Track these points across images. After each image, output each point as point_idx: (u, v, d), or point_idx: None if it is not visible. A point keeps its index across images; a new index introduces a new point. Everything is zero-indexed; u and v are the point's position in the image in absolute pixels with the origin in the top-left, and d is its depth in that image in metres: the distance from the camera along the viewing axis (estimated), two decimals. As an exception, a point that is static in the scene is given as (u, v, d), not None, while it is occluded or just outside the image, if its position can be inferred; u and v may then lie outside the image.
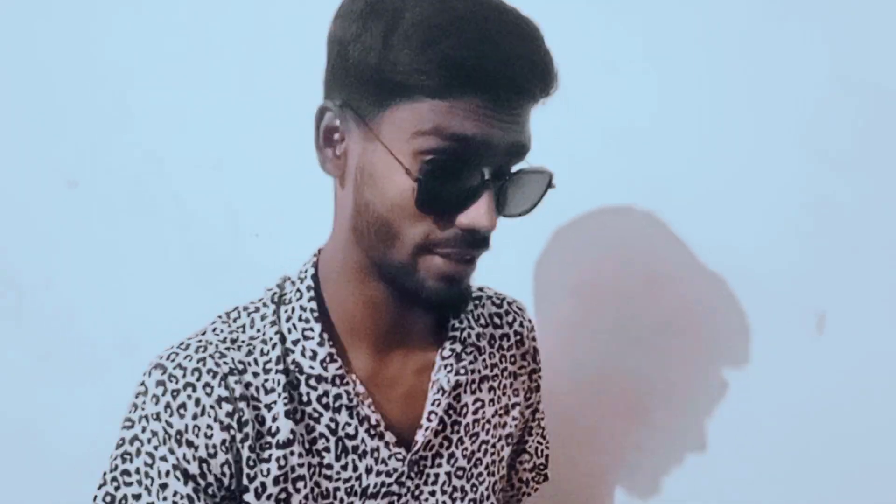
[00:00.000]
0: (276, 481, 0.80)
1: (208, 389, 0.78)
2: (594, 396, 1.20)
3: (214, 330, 0.83)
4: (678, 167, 1.13)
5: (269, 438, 0.80)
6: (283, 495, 0.80)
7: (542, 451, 1.05)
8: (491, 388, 0.94)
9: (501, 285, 1.01)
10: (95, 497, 0.79)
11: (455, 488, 0.90)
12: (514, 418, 0.97)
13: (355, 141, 0.78)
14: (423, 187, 0.74)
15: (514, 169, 0.79)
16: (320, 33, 1.18)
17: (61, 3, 1.32)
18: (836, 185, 1.07)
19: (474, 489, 0.92)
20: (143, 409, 0.78)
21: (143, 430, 0.78)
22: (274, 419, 0.81)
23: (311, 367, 0.82)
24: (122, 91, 1.32)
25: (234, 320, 0.85)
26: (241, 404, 0.79)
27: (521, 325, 0.99)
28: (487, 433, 0.93)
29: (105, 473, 0.79)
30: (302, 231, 1.27)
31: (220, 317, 0.86)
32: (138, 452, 0.77)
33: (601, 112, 1.14)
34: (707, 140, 1.11)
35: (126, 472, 0.77)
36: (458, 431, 0.90)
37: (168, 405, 0.77)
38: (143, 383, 0.79)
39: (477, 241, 0.78)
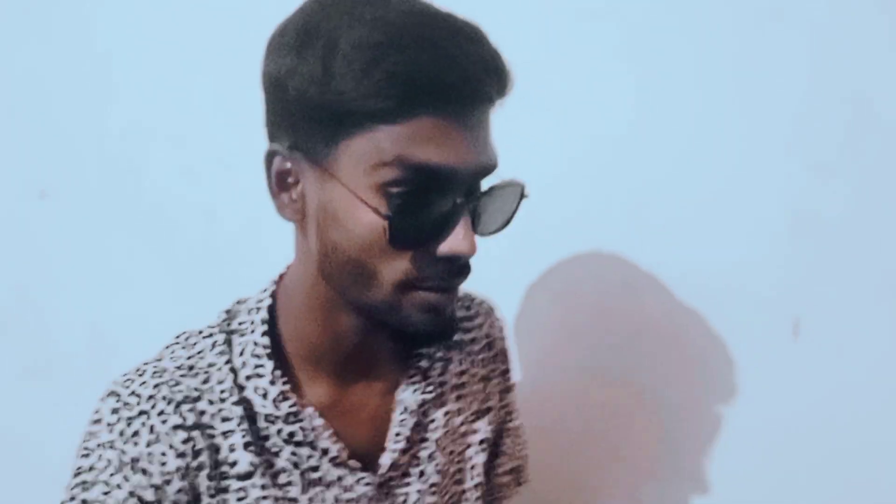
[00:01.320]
0: None
1: (163, 417, 0.76)
2: (576, 403, 1.20)
3: (172, 356, 0.80)
4: (658, 174, 1.13)
5: (226, 469, 0.78)
6: None
7: (518, 452, 1.01)
8: (460, 397, 0.91)
9: (483, 293, 1.01)
10: None
11: None
12: (488, 422, 0.94)
13: (311, 182, 0.73)
14: (394, 223, 0.70)
15: (485, 186, 0.76)
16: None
17: (37, 13, 1.31)
18: (817, 192, 1.08)
19: (451, 499, 0.90)
20: (97, 437, 0.76)
21: (100, 458, 0.75)
22: (231, 449, 0.78)
23: (263, 406, 0.79)
24: (95, 99, 1.30)
25: (193, 345, 0.81)
26: (195, 433, 0.77)
27: (492, 325, 0.96)
28: (457, 443, 0.91)
29: (64, 502, 0.75)
30: (280, 238, 1.27)
31: (177, 341, 0.83)
32: (95, 481, 0.75)
33: (581, 118, 1.14)
34: (687, 147, 1.12)
35: (84, 502, 0.74)
36: (427, 448, 0.87)
37: (122, 432, 0.75)
38: (97, 410, 0.77)
39: (459, 268, 0.74)
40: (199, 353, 0.80)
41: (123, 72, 1.29)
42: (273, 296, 0.82)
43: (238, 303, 0.85)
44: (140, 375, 0.78)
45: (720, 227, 1.11)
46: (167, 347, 0.83)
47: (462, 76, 0.69)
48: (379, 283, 0.73)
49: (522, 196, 0.77)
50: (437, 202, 0.71)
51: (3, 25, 1.32)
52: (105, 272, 1.32)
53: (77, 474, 0.76)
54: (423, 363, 0.88)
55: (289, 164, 0.74)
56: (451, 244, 0.71)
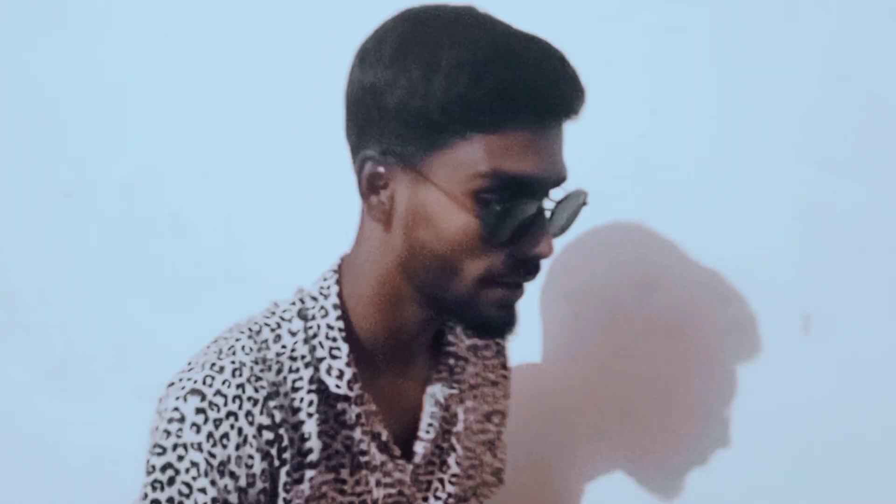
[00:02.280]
0: (306, 502, 0.81)
1: (250, 418, 0.77)
2: (587, 398, 1.21)
3: (243, 348, 0.81)
4: (669, 170, 1.13)
5: (301, 459, 0.81)
6: None
7: (501, 455, 1.05)
8: (475, 397, 0.97)
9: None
10: None
11: (449, 494, 0.92)
12: (495, 424, 1.01)
13: (402, 186, 0.79)
14: (486, 226, 0.76)
15: (559, 195, 0.82)
16: (313, 46, 1.19)
17: (57, 15, 1.33)
18: (829, 187, 1.08)
19: (465, 493, 0.95)
20: (178, 436, 0.76)
21: (180, 458, 0.75)
22: (303, 439, 0.81)
23: (338, 387, 0.82)
24: (118, 102, 1.32)
25: (257, 333, 0.83)
26: (280, 430, 0.79)
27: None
28: (471, 440, 0.96)
29: (136, 502, 0.77)
30: (296, 240, 1.28)
31: (240, 331, 0.83)
32: (171, 481, 0.75)
33: (595, 118, 1.14)
34: (699, 143, 1.12)
35: (157, 502, 0.75)
36: (449, 440, 0.93)
37: (210, 434, 0.76)
38: (177, 408, 0.77)
39: (534, 268, 0.81)
40: (264, 342, 0.82)
41: (148, 73, 1.31)
42: (338, 283, 0.86)
43: (299, 292, 0.87)
44: (220, 372, 0.78)
45: (731, 223, 1.11)
46: (228, 338, 0.83)
47: (556, 93, 0.76)
48: (462, 278, 0.79)
49: (584, 203, 0.84)
50: (524, 207, 0.77)
51: (29, 30, 1.34)
52: (125, 272, 1.34)
53: (149, 472, 0.76)
54: (451, 361, 0.93)
55: (380, 169, 0.79)
56: (534, 246, 0.79)
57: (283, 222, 1.28)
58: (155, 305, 1.33)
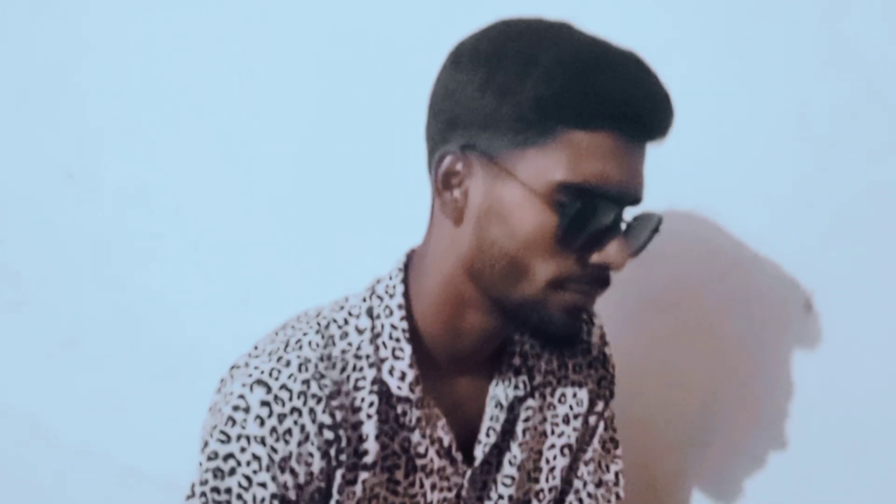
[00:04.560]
0: (357, 503, 0.81)
1: (312, 416, 0.77)
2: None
3: (310, 343, 0.81)
4: (668, 147, 1.13)
5: (356, 460, 0.81)
6: None
7: (607, 465, 0.99)
8: (542, 396, 0.94)
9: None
10: None
11: (501, 496, 0.91)
12: (574, 429, 0.96)
13: (480, 181, 0.79)
14: (564, 227, 0.76)
15: (636, 212, 0.82)
16: (311, 47, 1.17)
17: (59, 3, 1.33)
18: (828, 169, 1.08)
19: (525, 496, 0.93)
20: (243, 426, 0.76)
21: (243, 450, 0.76)
22: (361, 439, 0.81)
23: (399, 388, 0.82)
24: (119, 82, 1.32)
25: (325, 327, 0.83)
26: (340, 431, 0.79)
27: (589, 332, 0.98)
28: (537, 441, 0.94)
29: (194, 485, 0.78)
30: (301, 220, 1.29)
31: (308, 324, 0.84)
32: (232, 472, 0.76)
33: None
34: (697, 121, 1.12)
35: (216, 490, 0.76)
36: (511, 442, 0.91)
37: (274, 429, 0.76)
38: (242, 396, 0.77)
39: (605, 278, 0.81)
40: (330, 338, 0.82)
41: (149, 55, 1.31)
42: (404, 282, 0.85)
43: (369, 290, 0.87)
44: (286, 366, 0.78)
45: (731, 201, 1.12)
46: (296, 329, 0.83)
47: (650, 108, 0.77)
48: (531, 280, 0.78)
49: (657, 229, 0.83)
50: (603, 214, 0.77)
51: (27, 13, 1.34)
52: (130, 253, 1.34)
53: (211, 458, 0.77)
54: (516, 361, 0.91)
55: (458, 165, 0.79)
56: (609, 254, 0.78)
57: (284, 209, 1.29)
58: (160, 285, 1.34)
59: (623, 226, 0.81)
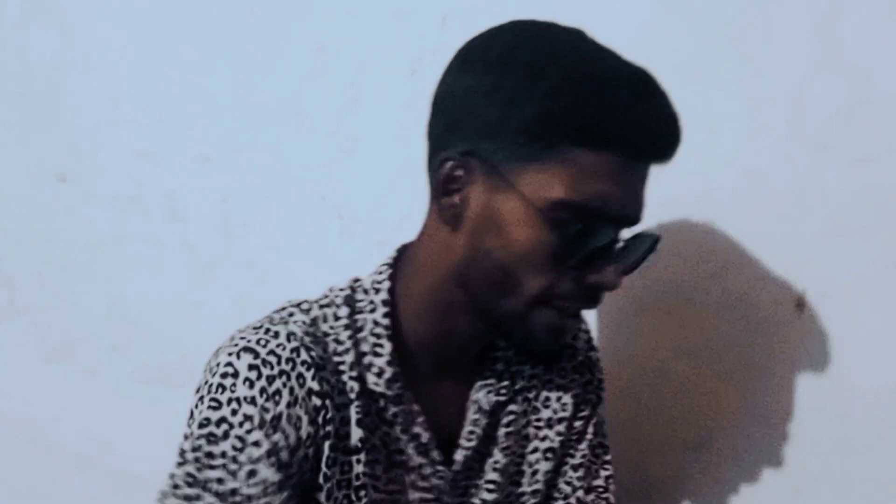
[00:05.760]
0: (339, 485, 0.81)
1: (301, 380, 0.77)
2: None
3: (296, 321, 0.81)
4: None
5: (342, 442, 0.81)
6: (345, 502, 0.81)
7: (597, 470, 0.98)
8: (526, 400, 0.93)
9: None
10: (173, 475, 0.76)
11: (484, 501, 0.90)
12: (558, 433, 0.95)
13: (479, 189, 0.78)
14: (560, 243, 0.75)
15: (632, 232, 0.82)
16: (306, 34, 1.19)
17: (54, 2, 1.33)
18: (818, 168, 1.08)
19: (507, 499, 0.92)
20: (232, 390, 0.76)
21: (234, 412, 0.75)
22: (346, 422, 0.81)
23: (376, 385, 0.82)
24: (111, 86, 1.32)
25: (307, 311, 0.83)
26: (327, 401, 0.79)
27: (575, 337, 0.97)
28: (520, 445, 0.93)
29: (185, 452, 0.76)
30: (292, 224, 1.29)
31: (292, 306, 0.84)
32: (226, 435, 0.75)
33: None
34: (689, 121, 1.12)
35: (210, 455, 0.75)
36: (493, 447, 0.91)
37: (264, 390, 0.75)
38: (230, 364, 0.77)
39: (595, 297, 0.80)
40: (314, 320, 0.82)
41: (142, 58, 1.31)
42: (391, 279, 0.85)
43: (354, 281, 0.87)
44: (275, 337, 0.78)
45: (725, 205, 1.12)
46: (281, 311, 0.83)
47: (656, 130, 0.77)
48: (518, 294, 0.78)
49: (653, 248, 0.83)
50: (601, 234, 0.77)
51: (23, 16, 1.34)
52: (123, 255, 1.35)
53: (203, 425, 0.76)
54: (499, 366, 0.91)
55: (459, 171, 0.78)
56: (603, 275, 0.78)
57: (277, 206, 1.29)
58: (153, 287, 1.34)
59: (619, 244, 0.81)
